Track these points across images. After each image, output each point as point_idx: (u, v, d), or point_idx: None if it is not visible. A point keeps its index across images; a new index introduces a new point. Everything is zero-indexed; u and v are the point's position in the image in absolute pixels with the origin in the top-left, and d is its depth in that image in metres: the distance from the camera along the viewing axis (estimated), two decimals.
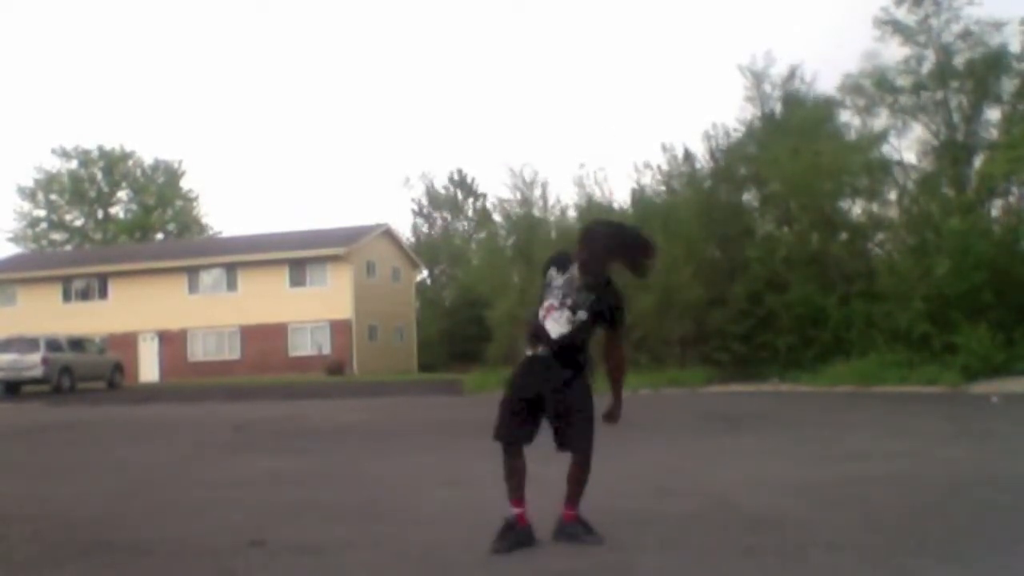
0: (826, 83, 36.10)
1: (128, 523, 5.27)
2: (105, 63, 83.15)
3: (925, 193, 19.53)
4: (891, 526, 4.54)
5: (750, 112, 22.03)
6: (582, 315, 4.09)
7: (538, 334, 4.14)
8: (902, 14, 19.88)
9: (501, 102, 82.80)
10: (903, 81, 20.09)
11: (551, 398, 4.12)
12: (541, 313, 4.15)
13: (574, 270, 4.15)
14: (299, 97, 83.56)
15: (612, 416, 4.31)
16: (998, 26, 19.20)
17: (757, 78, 21.73)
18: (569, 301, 4.09)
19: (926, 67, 19.90)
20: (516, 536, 4.15)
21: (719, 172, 21.72)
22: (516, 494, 4.20)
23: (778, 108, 21.79)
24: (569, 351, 4.13)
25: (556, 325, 4.10)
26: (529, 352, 4.21)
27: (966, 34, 19.56)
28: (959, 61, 19.74)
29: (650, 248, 4.22)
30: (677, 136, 59.36)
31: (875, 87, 20.20)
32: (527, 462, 4.24)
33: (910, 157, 20.69)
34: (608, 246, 4.10)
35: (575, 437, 4.15)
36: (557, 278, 4.17)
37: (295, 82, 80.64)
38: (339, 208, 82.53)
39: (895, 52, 20.29)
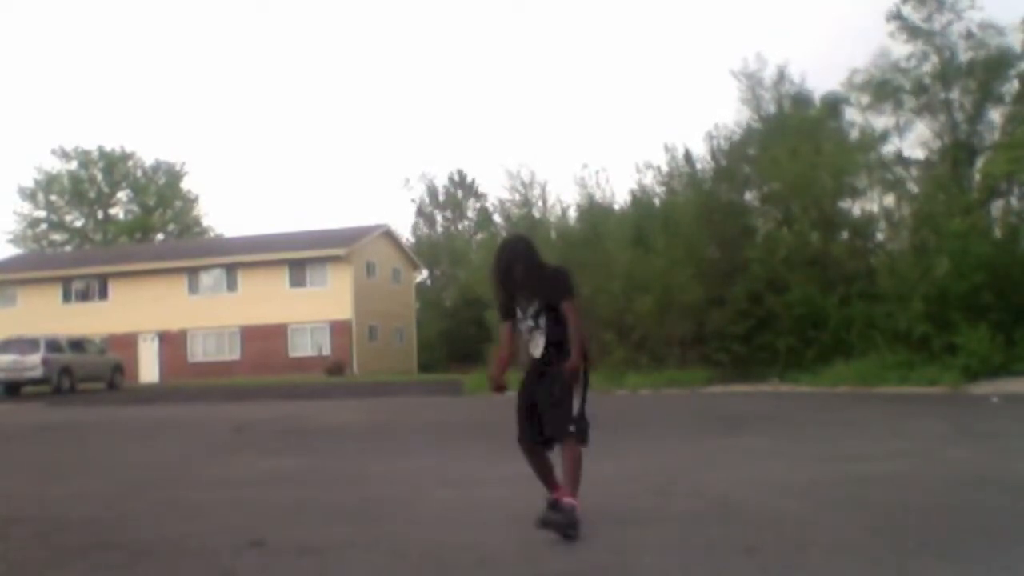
0: (834, 80, 35.99)
1: (128, 523, 5.27)
2: (105, 63, 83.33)
3: (928, 193, 19.49)
4: (891, 526, 4.53)
5: (747, 114, 22.08)
6: (541, 322, 4.43)
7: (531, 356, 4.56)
8: (907, 11, 19.90)
9: (502, 102, 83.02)
10: (905, 81, 20.07)
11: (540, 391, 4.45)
12: (525, 339, 4.56)
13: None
14: (299, 98, 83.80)
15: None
16: (999, 30, 19.23)
17: (751, 80, 21.75)
18: (530, 322, 4.48)
19: (929, 67, 19.90)
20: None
21: (719, 172, 21.71)
22: (548, 486, 4.48)
23: (772, 109, 21.80)
24: (555, 347, 4.41)
25: (536, 346, 4.48)
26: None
27: (968, 35, 19.58)
28: (962, 62, 19.75)
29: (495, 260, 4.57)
30: (678, 137, 59.19)
31: (877, 87, 20.17)
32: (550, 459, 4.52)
33: (913, 156, 20.72)
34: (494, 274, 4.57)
35: (551, 423, 4.36)
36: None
37: (295, 83, 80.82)
38: (339, 208, 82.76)
39: (900, 51, 20.33)
